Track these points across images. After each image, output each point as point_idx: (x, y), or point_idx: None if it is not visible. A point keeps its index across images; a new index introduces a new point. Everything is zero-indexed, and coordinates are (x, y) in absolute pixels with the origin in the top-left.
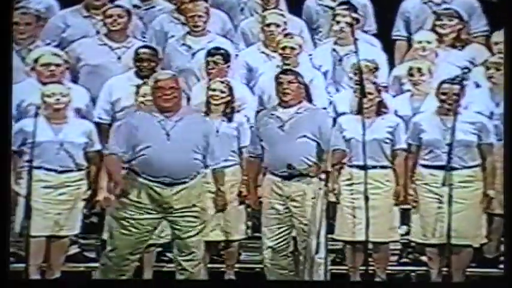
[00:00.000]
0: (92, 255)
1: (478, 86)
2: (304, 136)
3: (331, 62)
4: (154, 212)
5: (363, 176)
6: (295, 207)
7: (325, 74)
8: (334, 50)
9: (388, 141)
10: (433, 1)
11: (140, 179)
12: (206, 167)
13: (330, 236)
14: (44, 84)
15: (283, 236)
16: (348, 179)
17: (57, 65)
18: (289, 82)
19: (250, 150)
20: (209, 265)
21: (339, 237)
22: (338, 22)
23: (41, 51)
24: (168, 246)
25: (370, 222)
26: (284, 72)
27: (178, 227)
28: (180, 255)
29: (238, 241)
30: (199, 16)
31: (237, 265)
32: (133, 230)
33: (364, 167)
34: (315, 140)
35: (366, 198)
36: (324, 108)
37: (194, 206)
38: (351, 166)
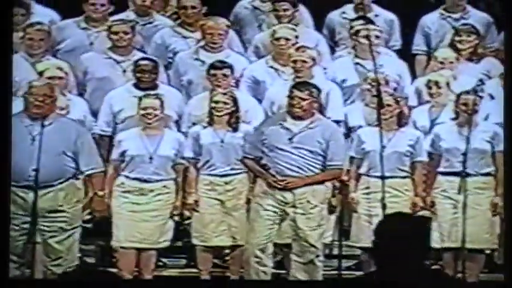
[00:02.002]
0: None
1: (492, 97)
2: (312, 151)
3: (356, 76)
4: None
5: (381, 185)
6: (296, 213)
7: (349, 87)
8: (358, 63)
9: (408, 154)
10: (451, 16)
11: None
12: (80, 172)
13: (344, 242)
14: None
15: (270, 237)
16: (366, 188)
17: (60, 78)
18: (301, 98)
19: (248, 152)
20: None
21: (355, 244)
22: (360, 36)
23: (46, 64)
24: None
25: None
26: (298, 87)
27: (44, 232)
28: (48, 260)
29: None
30: (219, 34)
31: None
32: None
33: (382, 177)
34: (323, 154)
35: (383, 206)
36: (340, 121)
37: (63, 211)
38: (369, 176)
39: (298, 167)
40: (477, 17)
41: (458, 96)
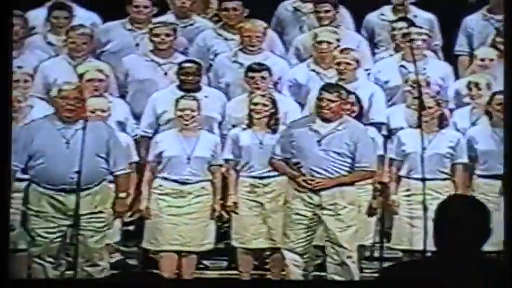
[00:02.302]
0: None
1: None
2: (340, 153)
3: (399, 77)
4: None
5: (421, 187)
6: (325, 215)
7: (392, 89)
8: (402, 65)
9: (449, 155)
10: (494, 18)
11: (40, 189)
12: (110, 173)
13: (386, 244)
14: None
15: (308, 240)
16: (407, 190)
17: (101, 80)
18: (330, 100)
19: (276, 153)
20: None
21: (396, 246)
22: (404, 38)
23: (86, 67)
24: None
25: (429, 232)
26: (326, 89)
27: (83, 233)
28: (83, 260)
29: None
30: (257, 36)
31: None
32: (41, 239)
33: (423, 179)
34: (351, 156)
35: (425, 208)
36: (383, 123)
37: (100, 212)
38: (409, 178)
39: (325, 169)
40: None
41: (493, 95)
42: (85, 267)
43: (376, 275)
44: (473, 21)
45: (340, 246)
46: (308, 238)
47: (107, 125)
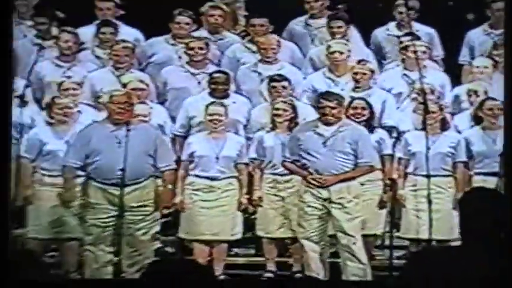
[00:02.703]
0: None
1: None
2: (344, 152)
3: (404, 85)
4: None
5: (426, 182)
6: (333, 208)
7: (395, 95)
8: (405, 74)
9: (450, 154)
10: (494, 32)
11: (96, 184)
12: (157, 169)
13: (396, 234)
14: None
15: (321, 229)
16: (413, 185)
17: (142, 90)
18: (331, 107)
19: (287, 156)
20: (277, 259)
21: (404, 236)
22: (409, 51)
23: (129, 77)
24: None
25: (433, 223)
26: (326, 97)
27: (131, 225)
28: (132, 250)
29: None
30: (272, 48)
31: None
32: (95, 228)
33: (427, 176)
34: (353, 154)
35: (429, 202)
36: (393, 127)
37: (145, 205)
38: (415, 175)
39: (332, 167)
40: None
41: (483, 101)
42: (132, 256)
43: (387, 262)
44: (476, 35)
45: (347, 234)
46: (321, 227)
47: (153, 126)
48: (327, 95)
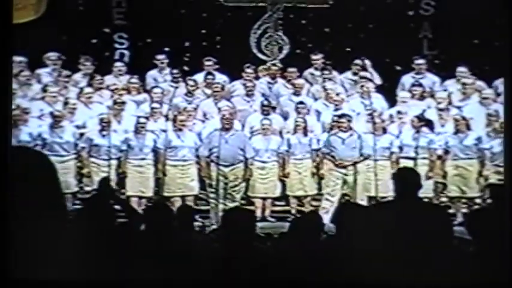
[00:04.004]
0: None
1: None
2: (354, 148)
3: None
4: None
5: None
6: (347, 177)
7: (358, 114)
8: (362, 102)
9: (389, 147)
10: (415, 77)
11: (215, 168)
12: (246, 158)
13: None
14: None
15: (336, 188)
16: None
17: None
18: (343, 122)
19: (324, 151)
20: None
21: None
22: (361, 86)
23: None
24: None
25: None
26: (340, 116)
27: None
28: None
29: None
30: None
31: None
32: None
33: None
34: (360, 148)
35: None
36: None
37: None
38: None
39: (348, 156)
40: (426, 78)
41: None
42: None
43: None
44: (405, 78)
45: (356, 194)
46: (336, 187)
47: (243, 132)
48: (341, 116)
